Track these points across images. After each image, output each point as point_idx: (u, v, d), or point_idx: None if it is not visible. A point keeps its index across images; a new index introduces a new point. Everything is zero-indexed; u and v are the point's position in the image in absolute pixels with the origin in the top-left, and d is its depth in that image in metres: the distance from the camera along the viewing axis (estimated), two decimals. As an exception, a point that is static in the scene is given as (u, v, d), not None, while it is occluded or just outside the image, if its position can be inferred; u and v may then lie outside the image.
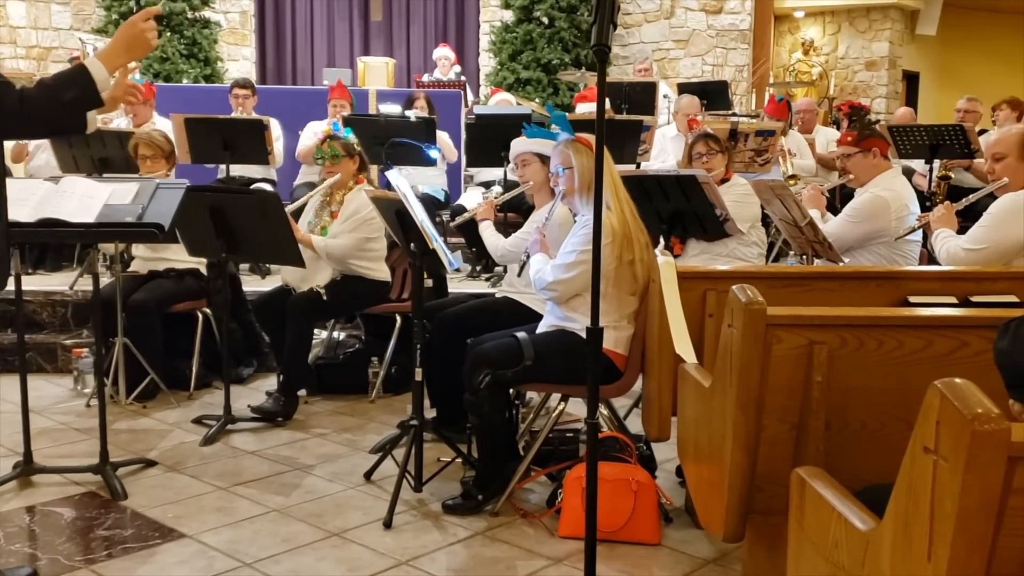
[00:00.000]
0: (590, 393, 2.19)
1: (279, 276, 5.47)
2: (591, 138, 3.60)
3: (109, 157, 5.95)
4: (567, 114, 4.01)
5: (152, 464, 3.97)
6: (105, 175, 5.58)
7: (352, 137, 4.80)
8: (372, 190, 4.51)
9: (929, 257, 5.17)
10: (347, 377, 5.18)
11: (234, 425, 4.46)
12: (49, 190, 3.54)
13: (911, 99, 13.63)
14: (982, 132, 7.00)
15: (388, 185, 5.32)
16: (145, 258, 5.13)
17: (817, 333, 2.30)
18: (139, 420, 4.65)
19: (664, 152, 7.31)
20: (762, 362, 2.30)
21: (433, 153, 5.42)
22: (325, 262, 4.73)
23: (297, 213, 4.98)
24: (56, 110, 2.46)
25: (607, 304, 3.38)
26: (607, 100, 6.84)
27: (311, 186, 6.18)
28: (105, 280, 4.39)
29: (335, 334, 5.58)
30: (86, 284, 5.80)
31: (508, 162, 6.06)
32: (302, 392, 4.87)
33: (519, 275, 3.89)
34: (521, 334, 3.52)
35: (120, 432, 4.40)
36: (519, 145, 4.13)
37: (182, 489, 3.73)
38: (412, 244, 3.68)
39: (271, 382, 5.14)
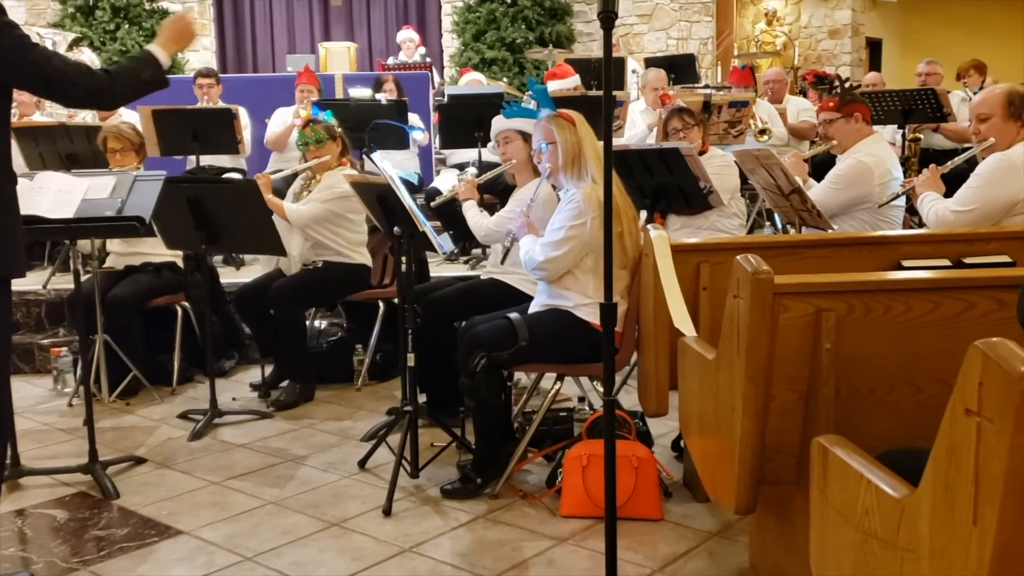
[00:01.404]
0: (606, 369, 2.16)
1: (255, 267, 5.40)
2: (573, 113, 3.56)
3: (76, 152, 5.83)
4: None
5: (141, 461, 3.90)
6: (74, 171, 5.47)
7: (333, 120, 4.72)
8: (352, 174, 4.43)
9: (910, 222, 5.20)
10: (331, 366, 5.12)
11: (220, 419, 4.40)
12: (24, 186, 3.42)
13: (874, 66, 13.65)
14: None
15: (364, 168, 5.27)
16: (120, 253, 5.03)
17: (824, 300, 2.27)
18: (124, 417, 4.57)
19: (635, 125, 7.30)
20: (770, 332, 2.27)
21: (417, 134, 5.35)
22: (298, 232, 4.68)
23: (282, 188, 4.91)
24: (137, 87, 2.84)
25: (597, 279, 3.34)
26: (577, 77, 6.86)
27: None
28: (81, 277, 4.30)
29: (317, 323, 5.51)
30: (59, 282, 5.70)
31: (482, 143, 6.00)
32: (284, 384, 4.82)
33: (502, 262, 3.82)
34: (514, 315, 3.48)
35: (105, 430, 4.31)
36: (500, 123, 4.06)
37: (175, 485, 3.66)
38: (396, 228, 3.63)
39: (253, 374, 5.08)
